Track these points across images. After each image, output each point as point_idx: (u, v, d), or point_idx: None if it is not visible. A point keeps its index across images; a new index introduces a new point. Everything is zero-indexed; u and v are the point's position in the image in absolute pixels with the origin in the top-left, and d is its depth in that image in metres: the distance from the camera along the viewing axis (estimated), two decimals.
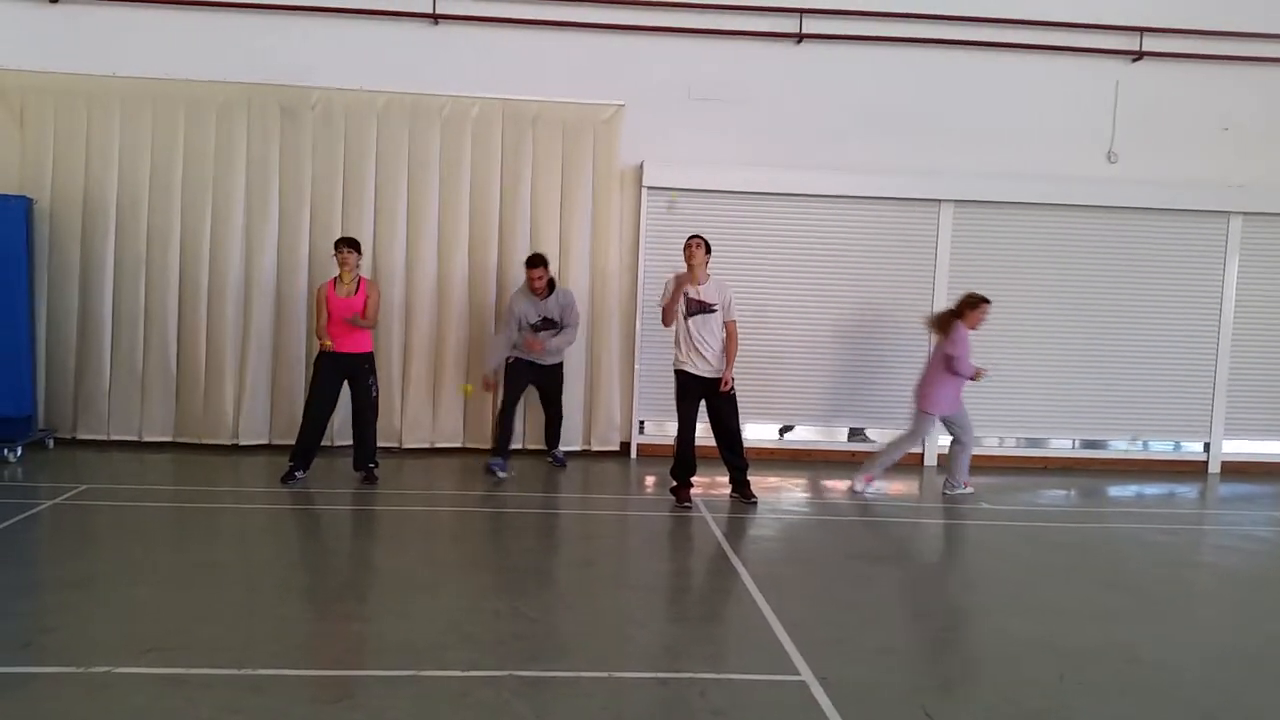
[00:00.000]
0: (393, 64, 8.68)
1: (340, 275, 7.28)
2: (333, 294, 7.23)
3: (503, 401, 8.07)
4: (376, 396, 7.44)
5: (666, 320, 7.00)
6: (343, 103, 8.58)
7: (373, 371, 7.41)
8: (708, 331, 6.89)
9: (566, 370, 8.41)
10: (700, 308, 6.89)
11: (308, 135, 8.56)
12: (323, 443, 7.57)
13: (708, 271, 6.99)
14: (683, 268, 7.00)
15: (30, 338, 8.13)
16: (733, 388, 6.96)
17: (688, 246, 6.96)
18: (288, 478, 7.25)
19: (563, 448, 8.58)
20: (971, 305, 7.60)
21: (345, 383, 7.36)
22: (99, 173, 8.46)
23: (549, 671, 3.80)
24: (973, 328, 7.58)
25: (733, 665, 4.02)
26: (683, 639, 4.38)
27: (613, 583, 5.29)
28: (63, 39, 8.50)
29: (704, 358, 6.89)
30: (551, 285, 7.90)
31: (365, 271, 7.90)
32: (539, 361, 7.94)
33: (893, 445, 7.76)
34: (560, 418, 8.42)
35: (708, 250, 6.97)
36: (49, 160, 8.42)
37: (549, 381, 8.20)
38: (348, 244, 7.30)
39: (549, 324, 7.86)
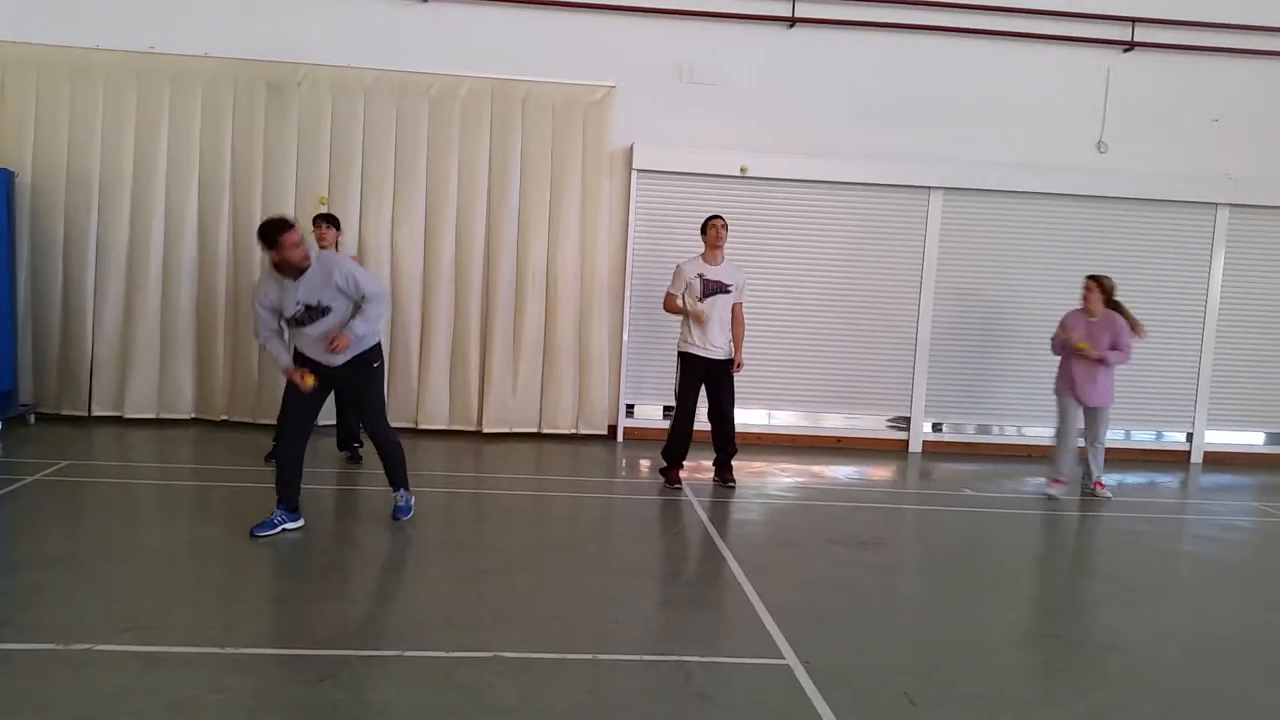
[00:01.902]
0: (381, 41, 8.58)
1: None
2: None
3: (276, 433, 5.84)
4: None
5: (672, 309, 7.00)
6: (330, 80, 8.48)
7: None
8: (722, 312, 6.95)
9: (554, 352, 8.20)
10: (718, 288, 6.91)
11: (294, 112, 8.46)
12: None
13: (724, 253, 7.03)
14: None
15: (11, 312, 8.05)
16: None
17: (713, 227, 6.98)
18: (271, 456, 7.19)
19: (549, 429, 8.46)
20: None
21: None
22: (82, 147, 8.34)
23: (534, 653, 3.79)
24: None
25: (718, 649, 4.02)
26: (668, 622, 4.38)
27: (599, 566, 5.28)
28: (45, 10, 8.36)
29: (725, 337, 6.97)
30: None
31: (350, 250, 7.82)
32: (327, 364, 5.36)
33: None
34: (381, 445, 5.67)
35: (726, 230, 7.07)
36: (30, 133, 8.30)
37: (347, 384, 5.59)
38: (326, 220, 7.20)
39: (317, 312, 5.25)
